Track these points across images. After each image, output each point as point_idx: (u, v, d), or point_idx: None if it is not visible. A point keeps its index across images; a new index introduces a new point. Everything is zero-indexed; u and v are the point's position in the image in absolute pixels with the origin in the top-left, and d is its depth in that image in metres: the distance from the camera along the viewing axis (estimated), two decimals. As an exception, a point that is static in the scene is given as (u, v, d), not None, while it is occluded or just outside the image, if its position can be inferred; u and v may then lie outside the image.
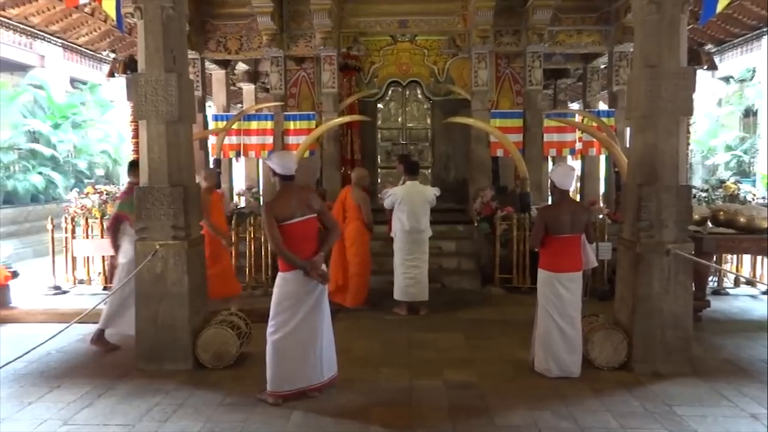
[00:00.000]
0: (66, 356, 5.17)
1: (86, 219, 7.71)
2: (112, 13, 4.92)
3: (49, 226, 7.83)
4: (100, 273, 7.82)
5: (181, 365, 4.72)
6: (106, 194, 8.16)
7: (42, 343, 4.23)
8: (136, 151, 7.31)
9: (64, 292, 7.66)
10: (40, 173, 12.56)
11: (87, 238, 7.68)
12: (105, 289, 7.58)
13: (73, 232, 7.68)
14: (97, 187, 8.75)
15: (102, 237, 7.57)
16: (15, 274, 7.22)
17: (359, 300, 6.62)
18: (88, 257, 7.93)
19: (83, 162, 14.04)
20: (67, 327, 4.49)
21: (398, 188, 6.43)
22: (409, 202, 6.27)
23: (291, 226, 4.06)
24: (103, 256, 7.69)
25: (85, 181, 13.37)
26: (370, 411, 4.02)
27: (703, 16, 5.25)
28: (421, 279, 6.39)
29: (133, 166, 5.57)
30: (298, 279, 4.06)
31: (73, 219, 7.73)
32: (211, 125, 9.57)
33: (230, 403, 4.13)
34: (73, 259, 7.84)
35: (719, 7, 4.88)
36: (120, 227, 5.42)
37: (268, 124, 9.12)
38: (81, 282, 7.90)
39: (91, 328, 5.90)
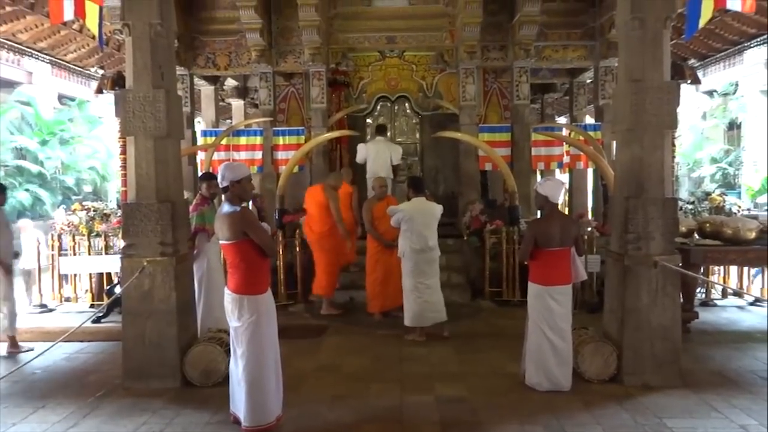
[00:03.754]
0: (51, 375, 5.07)
1: (73, 236, 7.63)
2: (95, 29, 4.93)
3: (36, 244, 7.74)
4: (87, 290, 7.73)
5: (169, 383, 4.66)
6: (94, 211, 8.09)
7: (27, 362, 4.18)
8: (124, 167, 7.26)
9: (50, 310, 7.55)
10: (27, 190, 12.49)
11: (74, 255, 7.60)
12: (92, 306, 7.49)
13: (60, 249, 7.60)
14: (84, 203, 8.68)
15: (89, 254, 7.50)
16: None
17: (373, 306, 6.74)
18: (75, 275, 7.84)
19: (71, 178, 13.97)
20: (53, 346, 4.45)
21: (404, 204, 6.12)
22: (417, 219, 5.94)
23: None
24: (90, 274, 7.61)
25: (73, 197, 13.30)
26: (360, 428, 3.99)
27: (687, 31, 5.33)
28: (438, 300, 6.02)
29: (206, 178, 5.78)
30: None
31: (60, 236, 7.65)
32: (200, 141, 9.56)
33: (218, 421, 4.08)
34: (60, 276, 7.74)
35: (702, 22, 4.96)
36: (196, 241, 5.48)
37: (258, 140, 9.13)
38: (67, 300, 7.80)
39: (77, 347, 5.84)
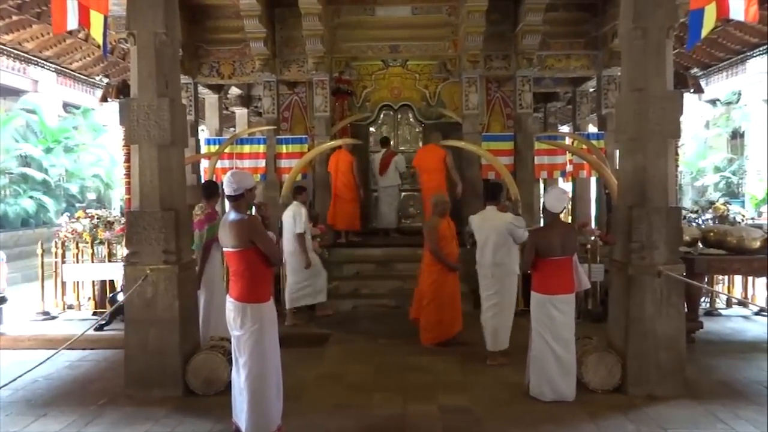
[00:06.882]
0: (53, 383, 5.08)
1: (77, 243, 7.64)
2: (100, 39, 4.96)
3: (39, 251, 7.76)
4: (89, 298, 7.73)
5: (171, 391, 4.65)
6: (97, 218, 8.11)
7: (29, 370, 4.17)
8: (128, 175, 7.29)
9: (53, 318, 7.54)
10: (31, 197, 12.53)
11: (77, 262, 7.61)
12: (95, 314, 7.48)
13: (64, 256, 7.61)
14: (88, 211, 8.69)
15: (92, 261, 7.51)
16: (3, 300, 7.13)
17: (427, 337, 6.04)
18: (78, 282, 7.85)
19: (75, 186, 14.03)
20: (55, 353, 4.44)
21: (475, 215, 5.83)
22: (482, 230, 5.62)
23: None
24: (93, 281, 7.61)
25: (77, 205, 13.32)
26: (363, 437, 3.97)
27: (689, 41, 5.34)
28: (501, 327, 5.51)
29: (208, 189, 5.67)
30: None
31: (63, 243, 7.65)
32: (204, 149, 9.58)
33: (220, 430, 4.06)
34: (63, 284, 7.74)
35: (704, 32, 4.97)
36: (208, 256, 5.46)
37: (261, 148, 9.15)
38: (70, 307, 7.79)
39: (80, 355, 5.83)
